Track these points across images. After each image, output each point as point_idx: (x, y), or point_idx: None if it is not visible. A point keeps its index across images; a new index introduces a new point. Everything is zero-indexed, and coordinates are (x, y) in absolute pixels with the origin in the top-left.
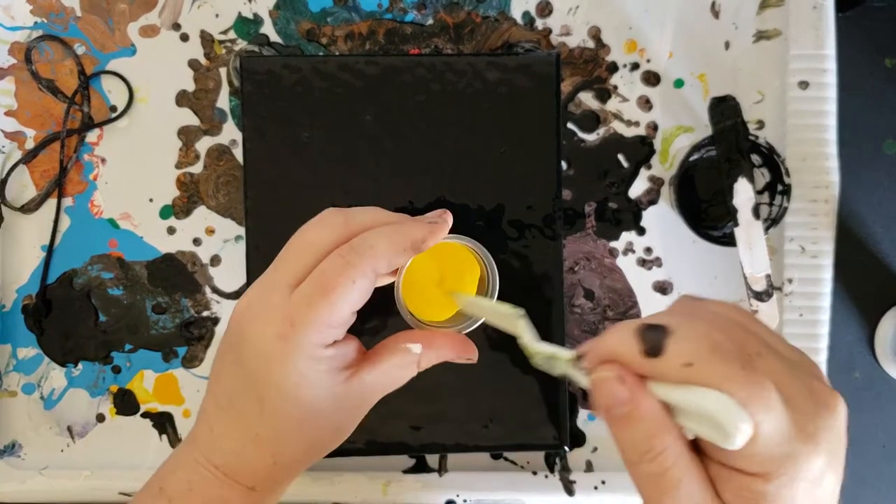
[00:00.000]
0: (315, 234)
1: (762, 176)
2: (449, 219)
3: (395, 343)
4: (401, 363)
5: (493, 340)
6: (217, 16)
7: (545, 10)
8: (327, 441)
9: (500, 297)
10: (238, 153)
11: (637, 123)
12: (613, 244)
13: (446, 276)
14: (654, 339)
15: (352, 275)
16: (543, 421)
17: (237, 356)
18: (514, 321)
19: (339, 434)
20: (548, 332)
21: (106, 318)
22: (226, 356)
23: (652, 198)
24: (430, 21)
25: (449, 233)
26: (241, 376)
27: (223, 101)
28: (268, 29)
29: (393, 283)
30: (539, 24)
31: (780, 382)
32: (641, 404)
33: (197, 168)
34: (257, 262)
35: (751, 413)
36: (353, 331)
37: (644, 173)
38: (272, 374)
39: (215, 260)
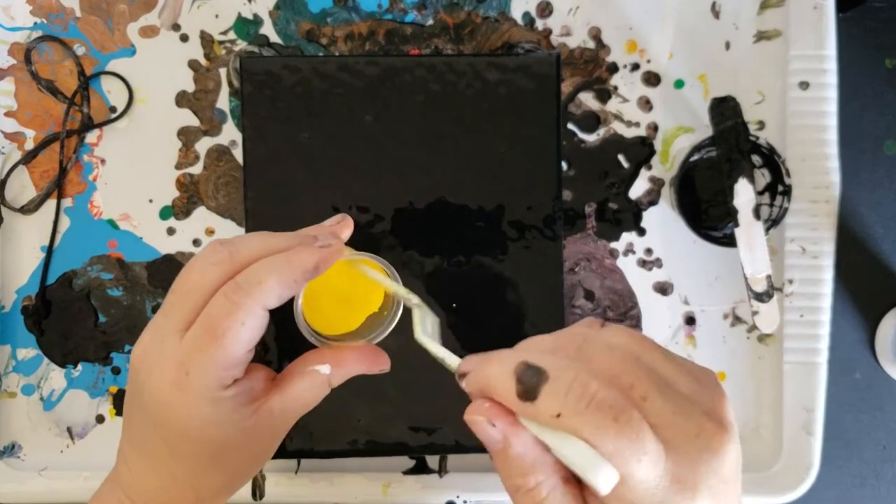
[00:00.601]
0: (199, 272)
1: (763, 176)
2: (345, 233)
3: (303, 366)
4: (311, 386)
5: (492, 341)
6: (217, 16)
7: (545, 10)
8: (247, 470)
9: (498, 299)
10: (238, 154)
11: (637, 124)
12: (614, 245)
13: (350, 290)
14: (529, 382)
15: (240, 317)
16: None
17: (140, 403)
18: (411, 307)
19: (259, 461)
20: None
21: (106, 318)
22: (132, 401)
23: (652, 198)
24: (431, 21)
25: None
26: (146, 422)
27: (223, 101)
28: (268, 29)
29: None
30: (539, 24)
31: (662, 427)
32: (513, 445)
33: (197, 169)
34: None
35: (617, 464)
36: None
37: (644, 174)
38: (176, 422)
39: None
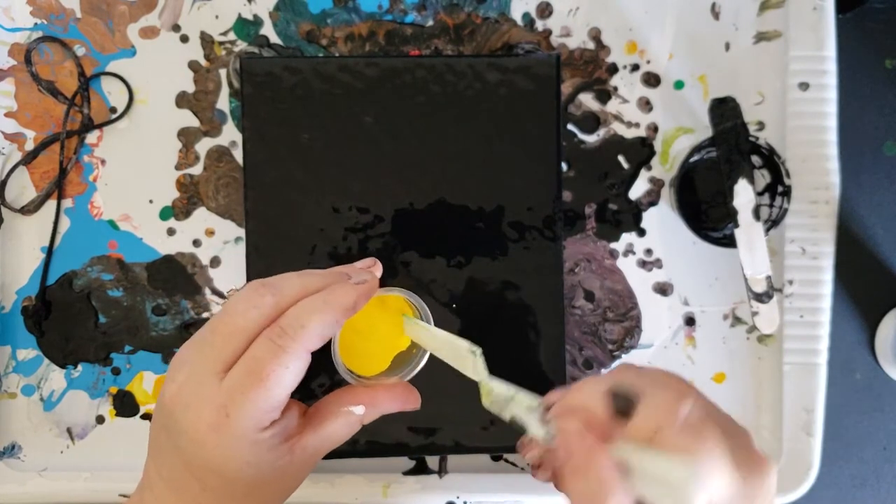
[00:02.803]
0: (242, 315)
1: (762, 177)
2: (378, 271)
3: (337, 406)
4: (344, 425)
5: (492, 342)
6: (217, 17)
7: (545, 11)
8: (277, 502)
9: (498, 299)
10: (238, 154)
11: (637, 125)
12: (614, 245)
13: (383, 329)
14: (624, 401)
15: (285, 360)
16: None
17: (173, 440)
18: (469, 359)
19: (288, 493)
20: (547, 334)
21: (106, 319)
22: (161, 435)
23: (652, 199)
24: (431, 22)
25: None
26: (178, 459)
27: (223, 102)
28: (268, 30)
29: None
30: (539, 25)
31: (724, 451)
32: (598, 461)
33: (197, 169)
34: (257, 264)
35: (706, 484)
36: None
37: (644, 174)
38: (211, 462)
39: (215, 261)
